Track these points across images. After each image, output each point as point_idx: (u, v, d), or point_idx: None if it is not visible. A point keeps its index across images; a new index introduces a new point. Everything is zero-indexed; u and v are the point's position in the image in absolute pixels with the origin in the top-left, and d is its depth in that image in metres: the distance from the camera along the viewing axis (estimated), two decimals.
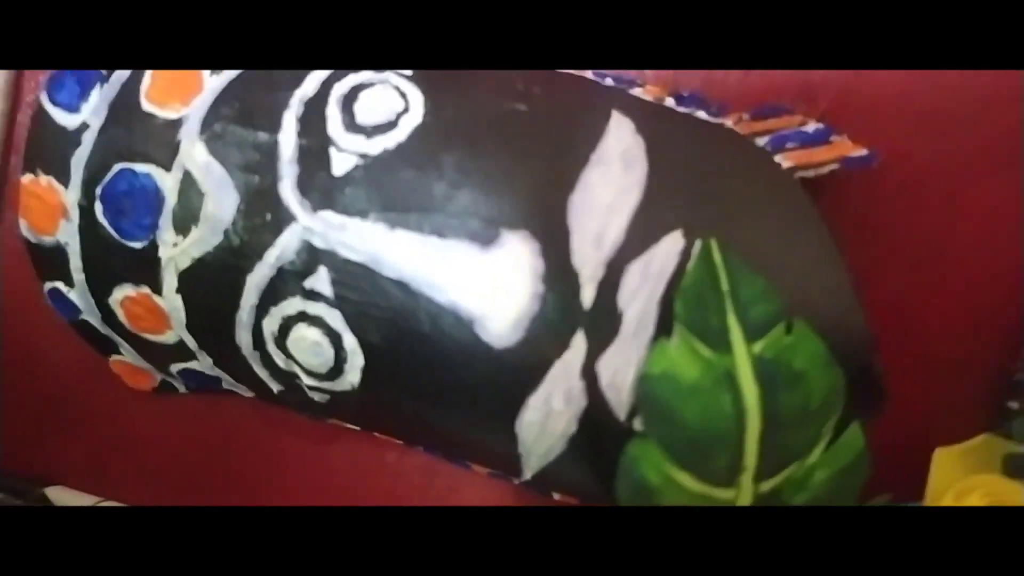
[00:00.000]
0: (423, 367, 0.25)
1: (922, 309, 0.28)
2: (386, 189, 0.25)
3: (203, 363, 0.29)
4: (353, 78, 0.26)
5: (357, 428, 0.30)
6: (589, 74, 0.27)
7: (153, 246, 0.27)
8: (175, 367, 0.30)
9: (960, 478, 0.23)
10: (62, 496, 0.32)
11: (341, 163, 0.25)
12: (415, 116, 0.25)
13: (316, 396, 0.27)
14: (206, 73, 0.27)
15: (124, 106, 0.27)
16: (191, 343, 0.28)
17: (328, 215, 0.25)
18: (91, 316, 0.30)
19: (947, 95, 0.27)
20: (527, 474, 0.26)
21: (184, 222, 0.26)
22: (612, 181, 0.24)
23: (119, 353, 0.31)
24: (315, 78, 0.26)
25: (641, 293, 0.23)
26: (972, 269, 0.28)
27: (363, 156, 0.25)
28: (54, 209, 0.28)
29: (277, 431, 0.31)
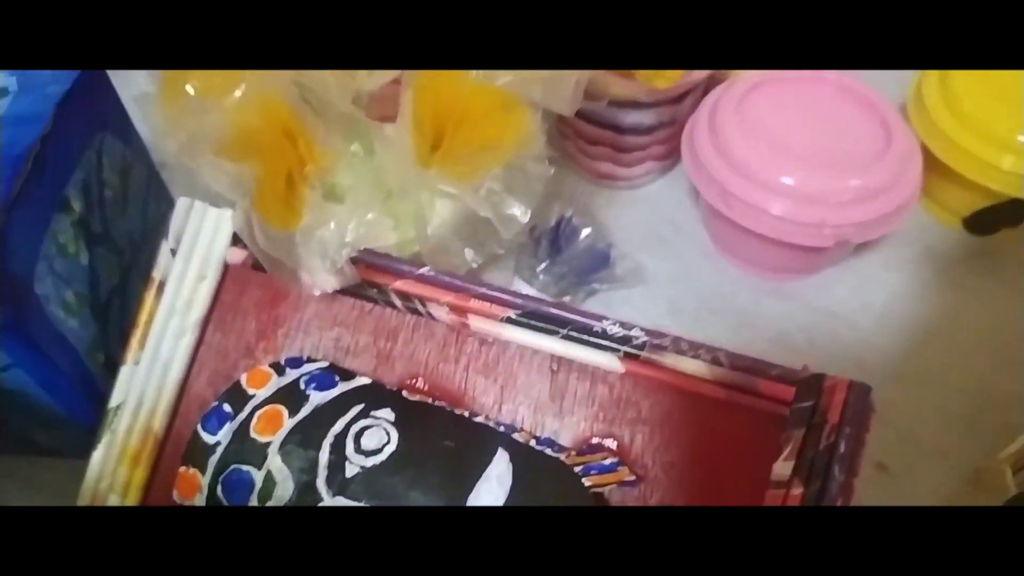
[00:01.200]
0: None
1: None
2: (373, 486, 0.43)
3: None
4: (362, 423, 0.45)
5: None
6: (491, 423, 0.47)
7: None
8: None
9: None
10: None
11: (350, 470, 0.42)
12: (392, 446, 0.43)
13: None
14: (286, 416, 0.46)
15: (240, 434, 0.45)
16: None
17: (340, 499, 0.43)
18: None
19: (703, 419, 0.44)
20: None
21: (264, 498, 0.44)
22: (492, 490, 0.42)
23: None
24: (342, 422, 0.45)
25: None
26: None
27: (362, 467, 0.43)
28: (194, 487, 0.46)
29: None
